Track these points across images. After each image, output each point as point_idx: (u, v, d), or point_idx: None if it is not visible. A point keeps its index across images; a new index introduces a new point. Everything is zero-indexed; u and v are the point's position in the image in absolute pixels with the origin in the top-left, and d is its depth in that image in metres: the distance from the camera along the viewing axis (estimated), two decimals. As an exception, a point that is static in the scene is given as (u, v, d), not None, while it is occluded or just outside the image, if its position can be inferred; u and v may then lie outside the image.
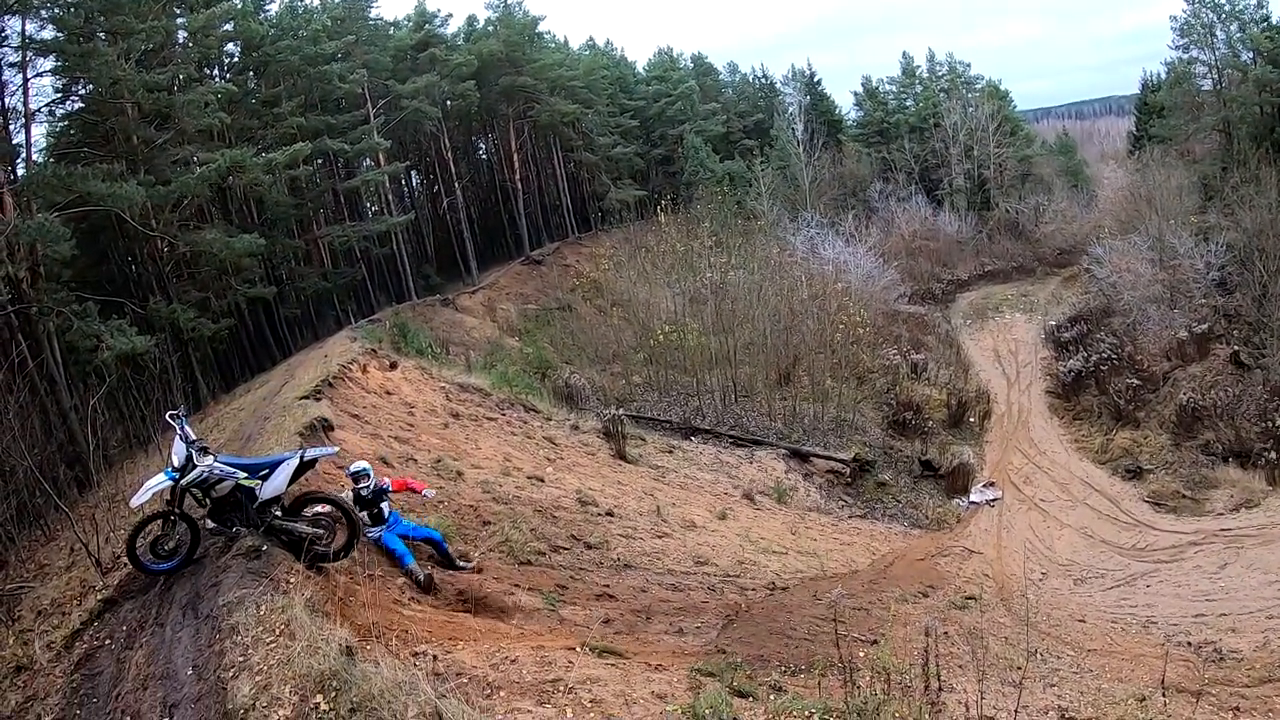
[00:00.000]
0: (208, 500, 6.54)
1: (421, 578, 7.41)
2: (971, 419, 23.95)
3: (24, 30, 19.84)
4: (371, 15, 35.86)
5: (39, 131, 23.88)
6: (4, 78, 19.58)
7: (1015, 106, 49.37)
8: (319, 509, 6.85)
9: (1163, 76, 40.22)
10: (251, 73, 30.71)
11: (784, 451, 20.11)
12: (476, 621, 7.00)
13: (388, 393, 15.28)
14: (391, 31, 36.99)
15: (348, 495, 7.74)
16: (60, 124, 23.60)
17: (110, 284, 22.62)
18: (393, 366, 17.10)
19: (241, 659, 5.11)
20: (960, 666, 7.59)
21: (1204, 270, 25.59)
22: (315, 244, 31.95)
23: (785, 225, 36.57)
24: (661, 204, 32.04)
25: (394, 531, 7.90)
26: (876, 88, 50.72)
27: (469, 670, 5.58)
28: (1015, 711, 5.95)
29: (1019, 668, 7.47)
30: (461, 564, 8.30)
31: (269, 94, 30.01)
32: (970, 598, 11.55)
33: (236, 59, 30.74)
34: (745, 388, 23.86)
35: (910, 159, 45.96)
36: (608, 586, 9.11)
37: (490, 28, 40.24)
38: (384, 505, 7.98)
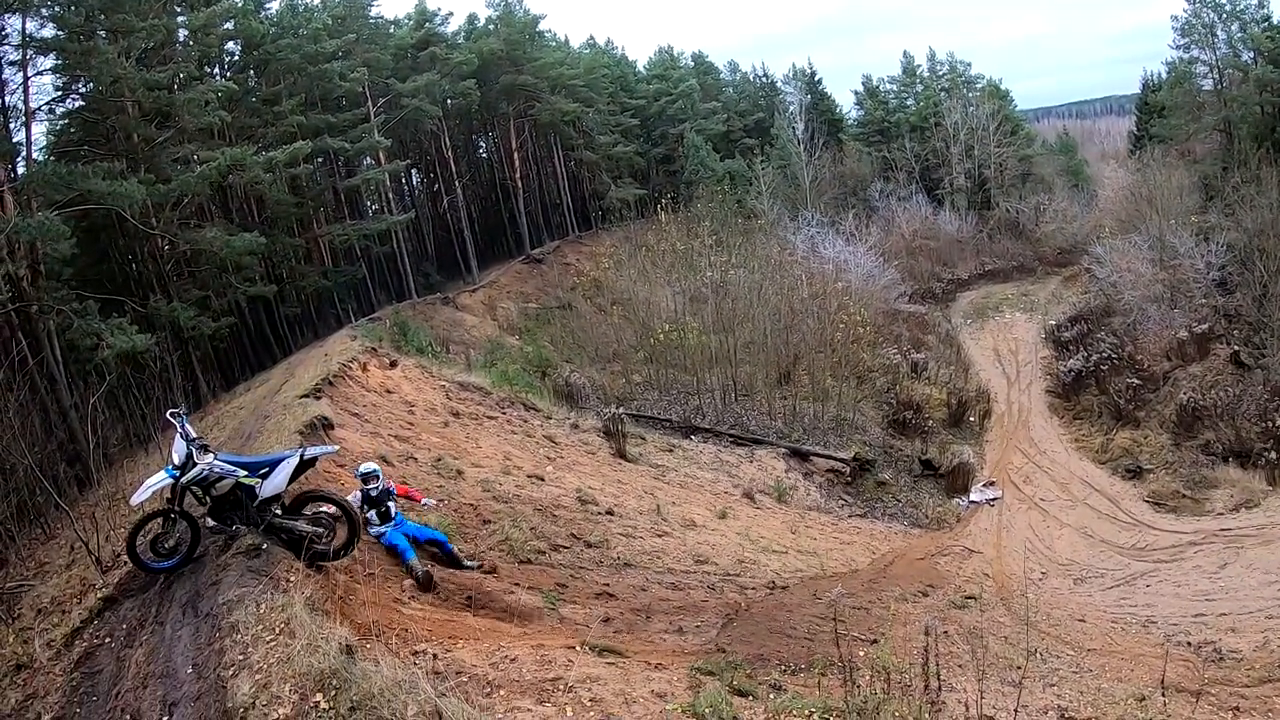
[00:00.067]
0: (208, 498, 6.56)
1: (420, 574, 7.45)
2: (971, 418, 23.96)
3: (24, 28, 19.80)
4: (372, 14, 35.89)
5: (39, 130, 23.87)
6: (4, 76, 19.58)
7: (1016, 106, 49.37)
8: (319, 508, 6.85)
9: (1164, 76, 40.25)
10: (252, 71, 30.69)
11: (784, 450, 20.11)
12: (476, 620, 7.01)
13: (388, 391, 15.27)
14: (392, 30, 36.99)
15: (356, 495, 7.94)
16: (60, 122, 23.62)
17: (110, 282, 22.60)
18: (393, 365, 17.09)
19: (241, 657, 5.12)
20: (960, 666, 7.59)
21: (1204, 270, 25.58)
22: (315, 242, 31.94)
23: (785, 224, 36.58)
24: (662, 203, 32.01)
25: (399, 531, 8.05)
26: (877, 87, 50.73)
27: (469, 669, 5.58)
28: (1015, 711, 5.96)
29: (1019, 667, 7.47)
30: (468, 563, 8.32)
31: (269, 92, 30.00)
32: (970, 597, 11.56)
33: (237, 57, 30.74)
34: (745, 387, 23.86)
35: (911, 158, 45.94)
36: (608, 585, 9.11)
37: (491, 26, 40.23)
38: (390, 505, 8.18)
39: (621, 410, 19.03)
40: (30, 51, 20.10)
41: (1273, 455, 17.60)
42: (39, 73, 20.85)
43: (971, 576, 13.19)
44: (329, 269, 32.03)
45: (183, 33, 26.48)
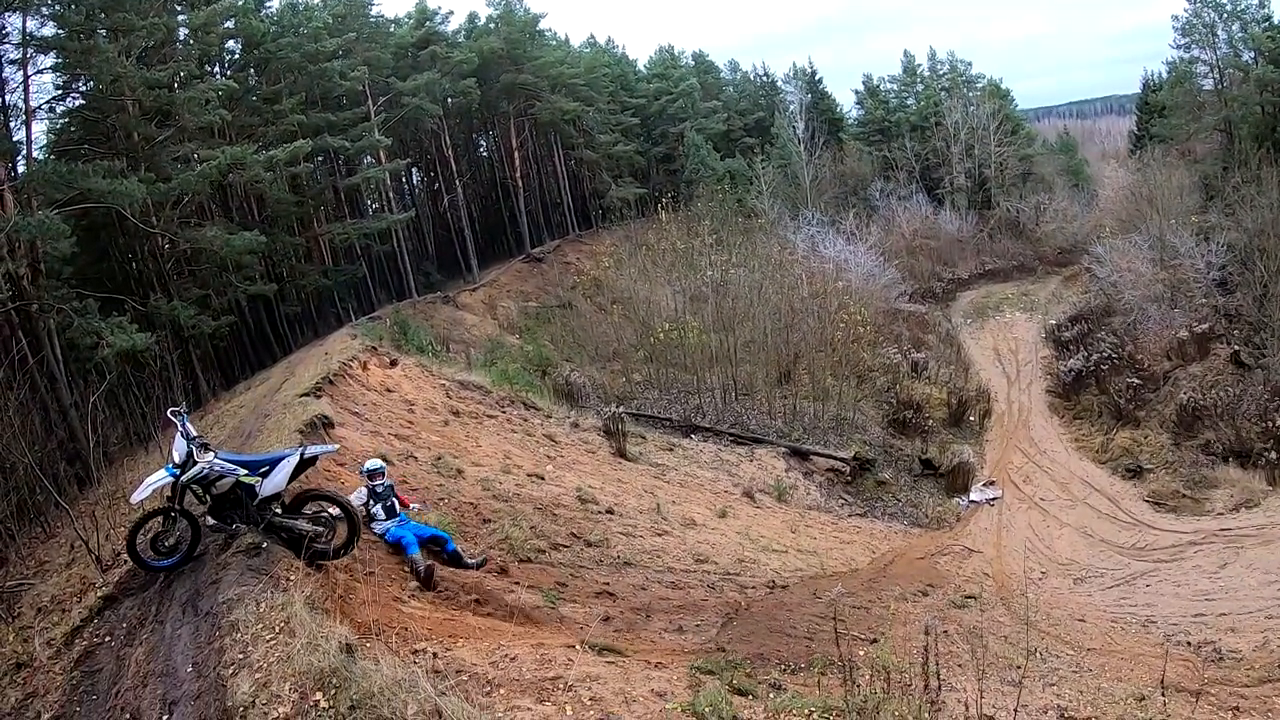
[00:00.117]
0: (208, 497, 6.56)
1: (422, 569, 7.48)
2: (972, 418, 23.95)
3: (24, 27, 19.82)
4: (372, 12, 35.90)
5: (39, 128, 23.95)
6: (4, 74, 19.57)
7: (1016, 105, 49.36)
8: (319, 506, 6.85)
9: (1164, 76, 40.26)
10: (252, 70, 30.70)
11: (784, 450, 20.11)
12: (476, 619, 7.01)
13: (388, 390, 15.27)
14: (392, 29, 37.03)
15: (361, 491, 8.01)
16: (61, 121, 23.64)
17: (111, 281, 22.60)
18: (393, 364, 17.09)
19: (241, 656, 5.11)
20: (960, 665, 7.59)
21: (1205, 270, 25.56)
22: (316, 241, 31.95)
23: (786, 223, 36.57)
24: (662, 202, 32.01)
25: (405, 526, 8.08)
26: (878, 86, 50.70)
27: (469, 668, 5.58)
28: (1015, 710, 5.95)
29: (1018, 667, 7.47)
30: (470, 562, 8.31)
31: (269, 91, 30.00)
32: (970, 597, 11.57)
33: (237, 56, 30.75)
34: (746, 386, 23.85)
35: (911, 157, 45.91)
36: (607, 584, 9.11)
37: (491, 25, 40.23)
38: (395, 501, 8.23)
39: (621, 409, 19.03)
40: (30, 50, 20.12)
41: (1273, 455, 17.59)
42: (39, 71, 20.90)
43: (971, 576, 13.20)
44: (329, 268, 32.04)
45: (183, 31, 26.51)
